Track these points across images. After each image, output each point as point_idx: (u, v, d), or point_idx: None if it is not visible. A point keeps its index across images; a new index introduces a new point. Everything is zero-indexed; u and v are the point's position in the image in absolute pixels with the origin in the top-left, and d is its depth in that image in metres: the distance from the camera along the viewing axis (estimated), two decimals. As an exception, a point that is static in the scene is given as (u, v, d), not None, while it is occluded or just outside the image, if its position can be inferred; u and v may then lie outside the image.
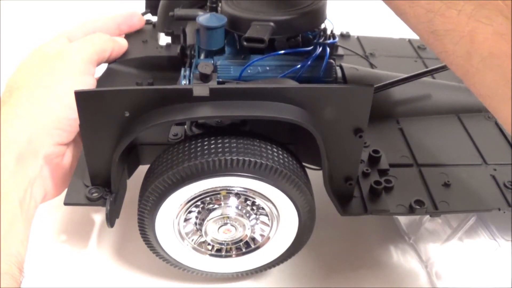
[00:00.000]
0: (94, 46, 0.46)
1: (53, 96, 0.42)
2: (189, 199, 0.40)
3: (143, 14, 0.55)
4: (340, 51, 0.60)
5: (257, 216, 0.42)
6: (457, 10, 0.29)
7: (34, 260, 0.47)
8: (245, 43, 0.40)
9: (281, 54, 0.43)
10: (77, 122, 0.41)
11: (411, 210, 0.42)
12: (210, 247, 0.44)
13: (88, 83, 0.44)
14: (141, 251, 0.46)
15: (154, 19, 0.56)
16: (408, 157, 0.47)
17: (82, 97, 0.36)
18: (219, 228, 0.42)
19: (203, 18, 0.42)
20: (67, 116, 0.41)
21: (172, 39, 0.54)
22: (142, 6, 0.56)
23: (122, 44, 0.50)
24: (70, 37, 0.48)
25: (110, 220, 0.41)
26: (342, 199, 0.43)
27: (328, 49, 0.44)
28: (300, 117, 0.37)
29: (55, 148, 0.41)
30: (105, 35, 0.48)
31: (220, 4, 0.46)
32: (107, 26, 0.51)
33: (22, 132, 0.40)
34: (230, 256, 0.45)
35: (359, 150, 0.40)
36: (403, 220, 0.52)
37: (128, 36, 0.53)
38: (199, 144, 0.39)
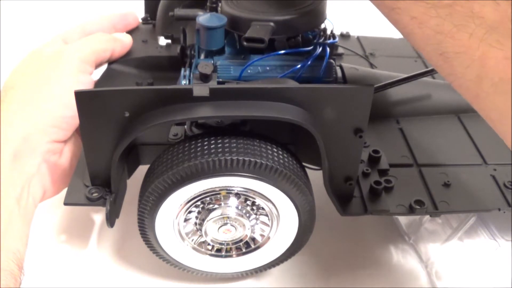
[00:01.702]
0: (92, 46, 0.46)
1: (47, 95, 0.42)
2: (189, 199, 0.40)
3: (143, 19, 0.55)
4: (340, 51, 0.60)
5: (257, 216, 0.42)
6: (468, 33, 0.28)
7: (34, 260, 0.47)
8: (245, 43, 0.40)
9: (281, 54, 0.43)
10: (73, 120, 0.41)
11: (411, 210, 0.42)
12: (210, 247, 0.44)
13: (84, 82, 0.44)
14: (141, 251, 0.46)
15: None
16: (408, 157, 0.47)
17: (82, 97, 0.36)
18: (219, 228, 0.42)
19: (203, 18, 0.42)
20: (62, 114, 0.41)
21: (172, 42, 0.54)
22: (140, 6, 0.56)
23: (125, 41, 0.50)
24: (66, 39, 0.48)
25: (110, 220, 0.41)
26: (342, 199, 0.43)
27: (328, 49, 0.44)
28: (300, 117, 0.37)
29: (51, 146, 0.41)
30: (105, 34, 0.48)
31: (220, 4, 0.46)
32: (103, 26, 0.50)
33: (18, 130, 0.40)
34: (230, 256, 0.45)
35: (359, 150, 0.40)
36: (403, 220, 0.52)
37: None
38: (199, 144, 0.39)
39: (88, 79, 0.44)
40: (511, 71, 0.27)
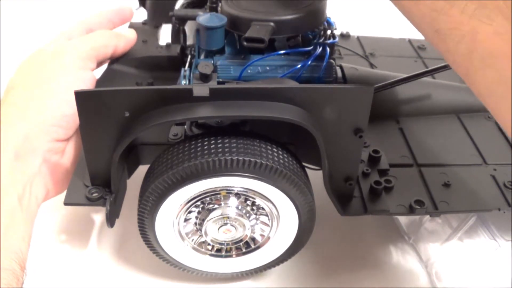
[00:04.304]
0: (93, 42, 0.46)
1: (47, 93, 0.42)
2: (189, 199, 0.40)
3: (137, 9, 0.55)
4: (340, 51, 0.60)
5: (257, 216, 0.42)
6: (459, 9, 0.29)
7: (34, 260, 0.47)
8: (245, 43, 0.40)
9: (281, 54, 0.43)
10: (74, 118, 0.41)
11: (411, 210, 0.42)
12: (210, 247, 0.44)
13: (85, 78, 0.43)
14: (141, 251, 0.46)
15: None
16: (408, 157, 0.47)
17: (82, 97, 0.36)
18: (219, 228, 0.42)
19: (203, 18, 0.42)
20: (62, 113, 0.41)
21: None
22: (135, 4, 0.56)
23: (129, 37, 0.49)
24: (69, 36, 0.48)
25: (110, 220, 0.41)
26: (342, 199, 0.43)
27: (328, 49, 0.44)
28: (300, 117, 0.37)
29: (53, 145, 0.41)
30: (107, 31, 0.48)
31: (220, 4, 0.46)
32: (100, 22, 0.50)
33: (18, 129, 0.40)
34: (230, 256, 0.45)
35: (359, 150, 0.40)
36: (403, 220, 0.52)
37: None
38: (199, 144, 0.39)
39: (89, 76, 0.44)
40: (500, 45, 0.28)
